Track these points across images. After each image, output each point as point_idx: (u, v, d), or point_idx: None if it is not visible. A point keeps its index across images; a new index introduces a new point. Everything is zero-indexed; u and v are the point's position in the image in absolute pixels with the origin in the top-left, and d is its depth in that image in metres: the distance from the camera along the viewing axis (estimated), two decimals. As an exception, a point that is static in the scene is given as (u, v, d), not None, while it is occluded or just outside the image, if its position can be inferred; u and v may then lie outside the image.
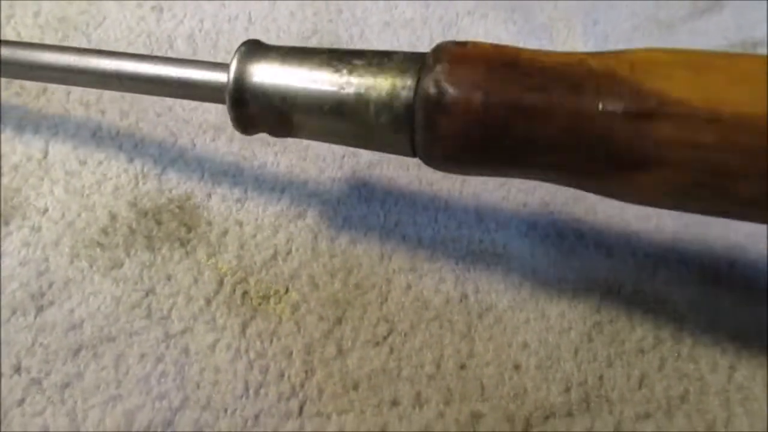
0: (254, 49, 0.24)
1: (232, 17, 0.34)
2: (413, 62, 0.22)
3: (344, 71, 0.22)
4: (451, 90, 0.21)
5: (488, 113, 0.21)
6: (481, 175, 0.23)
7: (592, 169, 0.20)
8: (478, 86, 0.21)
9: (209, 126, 0.30)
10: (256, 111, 0.24)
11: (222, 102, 0.24)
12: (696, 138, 0.19)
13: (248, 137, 0.30)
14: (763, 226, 0.27)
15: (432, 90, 0.21)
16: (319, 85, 0.23)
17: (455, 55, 0.21)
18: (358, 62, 0.22)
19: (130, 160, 0.29)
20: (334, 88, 0.22)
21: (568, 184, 0.22)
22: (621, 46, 0.21)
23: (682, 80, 0.19)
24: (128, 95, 0.31)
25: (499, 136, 0.21)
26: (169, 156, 0.29)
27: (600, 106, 0.20)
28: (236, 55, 0.24)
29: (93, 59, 0.26)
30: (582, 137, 0.20)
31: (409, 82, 0.21)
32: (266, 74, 0.23)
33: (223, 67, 0.24)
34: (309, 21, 0.34)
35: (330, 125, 0.23)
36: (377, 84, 0.22)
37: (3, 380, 0.23)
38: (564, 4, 0.35)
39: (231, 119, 0.24)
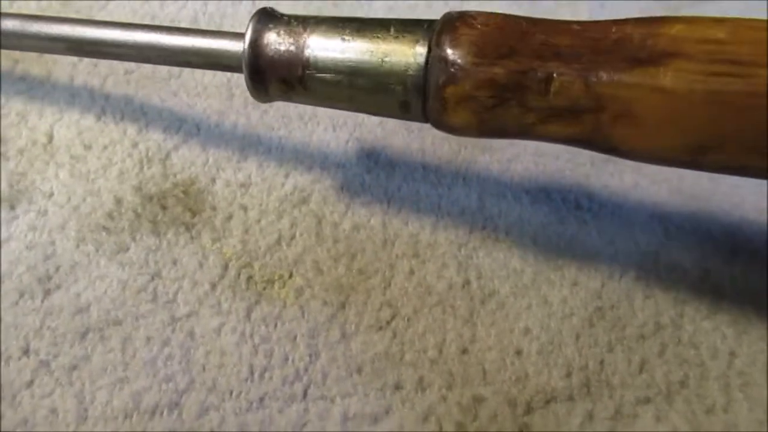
0: (268, 18, 0.24)
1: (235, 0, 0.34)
2: (426, 29, 0.22)
3: (357, 38, 0.23)
4: (459, 57, 0.21)
5: (497, 79, 0.21)
6: (493, 138, 0.24)
7: (608, 68, 0.21)
8: (485, 52, 0.21)
9: (213, 111, 0.30)
10: (272, 78, 0.24)
11: (239, 71, 0.25)
12: (707, 34, 0.20)
13: (252, 121, 0.30)
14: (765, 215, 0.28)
15: (442, 57, 0.21)
16: (333, 52, 0.23)
17: (464, 23, 0.22)
18: (371, 29, 0.23)
19: (135, 145, 0.29)
20: (349, 55, 0.23)
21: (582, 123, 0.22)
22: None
23: None
24: (133, 79, 0.31)
25: (509, 100, 0.21)
26: (174, 141, 0.29)
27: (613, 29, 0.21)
28: (251, 24, 0.24)
29: (107, 30, 0.26)
30: (598, 49, 0.21)
31: (422, 48, 0.22)
32: (282, 42, 0.24)
33: (239, 36, 0.24)
34: (313, 4, 0.34)
35: (344, 92, 0.24)
36: (391, 50, 0.22)
37: (12, 362, 0.24)
38: (569, -12, 0.35)
39: (248, 87, 0.25)
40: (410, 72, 0.22)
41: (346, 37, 0.23)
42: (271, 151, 0.29)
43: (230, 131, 0.30)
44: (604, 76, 0.20)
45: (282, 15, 0.25)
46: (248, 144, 0.29)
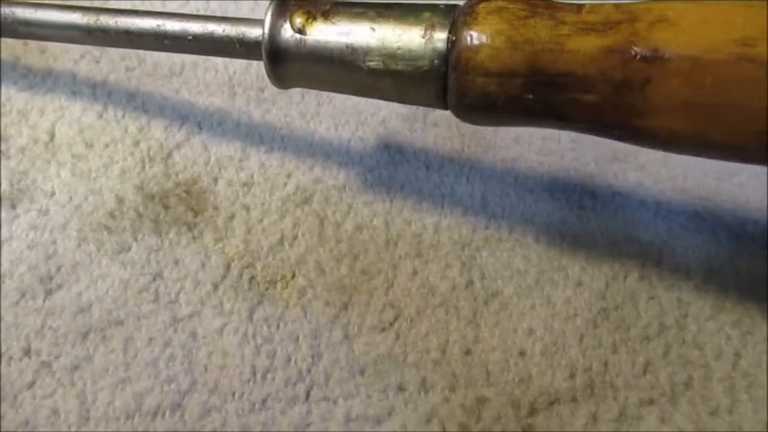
0: (286, 4, 0.24)
1: (237, -2, 0.34)
2: (447, 16, 0.22)
3: (378, 24, 0.23)
4: (482, 34, 0.21)
5: (517, 56, 0.21)
6: (512, 125, 0.23)
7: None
8: (506, 39, 0.21)
9: (215, 109, 0.30)
10: (292, 65, 0.24)
11: (258, 58, 0.24)
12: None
13: (254, 120, 0.30)
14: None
15: (464, 33, 0.21)
16: (354, 38, 0.23)
17: (486, 9, 0.22)
18: (391, 15, 0.23)
19: (137, 143, 0.29)
20: (370, 42, 0.23)
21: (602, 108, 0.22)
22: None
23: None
24: (134, 76, 0.31)
25: (536, 53, 0.21)
26: (176, 139, 0.29)
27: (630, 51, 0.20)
28: (269, 10, 0.24)
29: (125, 18, 0.26)
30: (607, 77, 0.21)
31: (444, 27, 0.22)
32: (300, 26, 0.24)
33: (257, 22, 0.24)
34: (315, 2, 0.34)
35: (366, 79, 0.23)
36: (412, 30, 0.22)
37: (13, 363, 0.24)
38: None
39: (267, 74, 0.25)
40: (430, 58, 0.22)
41: (367, 24, 0.23)
42: (274, 150, 0.29)
43: (232, 130, 0.29)
44: (630, 2, 0.21)
45: (300, 1, 0.24)
46: (250, 143, 0.29)
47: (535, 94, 0.21)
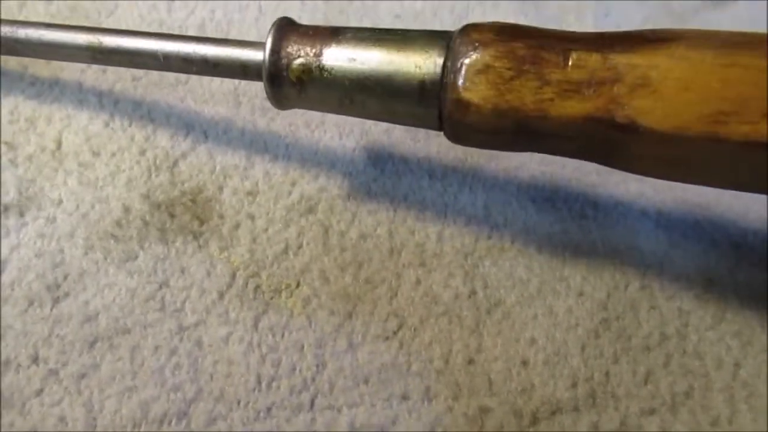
0: (287, 27, 0.25)
1: (242, 7, 0.34)
2: (442, 40, 0.23)
3: (375, 48, 0.23)
4: (470, 99, 0.22)
5: (503, 121, 0.22)
6: (504, 150, 0.24)
7: (623, 45, 0.21)
8: (492, 108, 0.22)
9: (221, 118, 0.30)
10: (291, 87, 0.25)
11: (258, 79, 0.25)
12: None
13: (259, 129, 0.30)
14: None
15: (453, 96, 0.22)
16: (351, 62, 0.24)
17: (474, 68, 0.22)
18: (388, 39, 0.24)
19: (143, 152, 0.29)
20: (367, 65, 0.23)
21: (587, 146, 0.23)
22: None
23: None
24: (140, 85, 0.31)
25: (520, 119, 0.22)
26: (181, 148, 0.29)
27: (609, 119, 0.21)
28: (271, 33, 0.24)
29: (127, 39, 0.27)
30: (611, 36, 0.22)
31: (438, 60, 0.23)
32: (301, 50, 0.24)
33: (259, 45, 0.25)
34: (320, 11, 0.34)
35: (362, 99, 0.24)
36: (407, 61, 0.23)
37: (21, 371, 0.24)
38: (576, -4, 0.35)
39: (267, 95, 0.25)
40: (425, 82, 0.23)
41: (365, 48, 0.24)
42: (278, 159, 0.29)
43: (237, 139, 0.30)
44: (619, 48, 0.21)
45: (300, 24, 0.25)
46: (255, 152, 0.29)
47: (523, 143, 0.23)
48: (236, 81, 0.31)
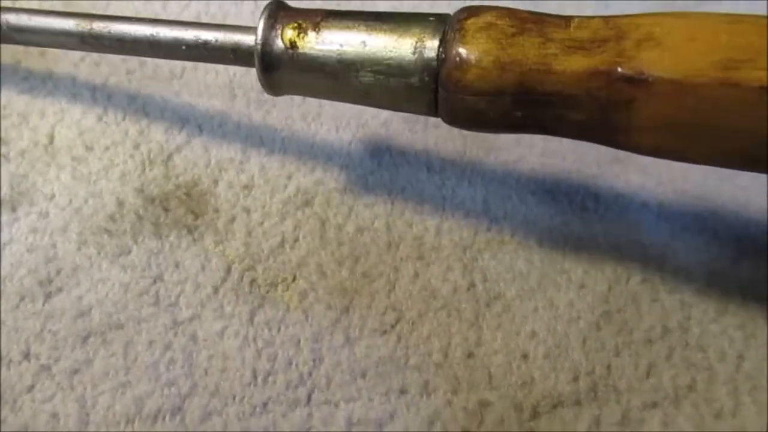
0: (279, 11, 0.24)
1: (238, 1, 0.34)
2: (437, 29, 0.22)
3: (370, 32, 0.23)
4: (470, 54, 0.21)
5: (505, 77, 0.21)
6: (501, 133, 0.24)
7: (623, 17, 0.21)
8: (494, 60, 0.21)
9: (216, 111, 0.30)
10: (284, 75, 0.24)
11: (251, 65, 0.24)
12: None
13: (255, 122, 0.30)
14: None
15: (453, 52, 0.21)
16: (346, 46, 0.23)
17: (477, 17, 0.22)
18: (382, 23, 0.23)
19: (137, 146, 0.29)
20: (361, 56, 0.23)
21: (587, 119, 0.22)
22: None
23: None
24: (134, 78, 0.31)
25: (523, 73, 0.21)
26: (176, 142, 0.29)
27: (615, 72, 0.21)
28: (261, 21, 0.24)
29: (118, 25, 0.26)
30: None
31: (433, 43, 0.22)
32: (293, 33, 0.24)
33: (251, 30, 0.24)
34: (316, 4, 0.34)
35: (358, 90, 0.24)
36: (402, 44, 0.23)
37: (13, 367, 0.23)
38: (574, -12, 0.35)
39: (260, 82, 0.25)
40: (420, 65, 0.22)
41: (359, 32, 0.23)
42: (274, 152, 0.29)
43: (233, 132, 0.29)
44: (620, 16, 0.21)
45: (293, 8, 0.25)
46: (251, 145, 0.29)
47: (524, 111, 0.22)
48: (231, 74, 0.31)
